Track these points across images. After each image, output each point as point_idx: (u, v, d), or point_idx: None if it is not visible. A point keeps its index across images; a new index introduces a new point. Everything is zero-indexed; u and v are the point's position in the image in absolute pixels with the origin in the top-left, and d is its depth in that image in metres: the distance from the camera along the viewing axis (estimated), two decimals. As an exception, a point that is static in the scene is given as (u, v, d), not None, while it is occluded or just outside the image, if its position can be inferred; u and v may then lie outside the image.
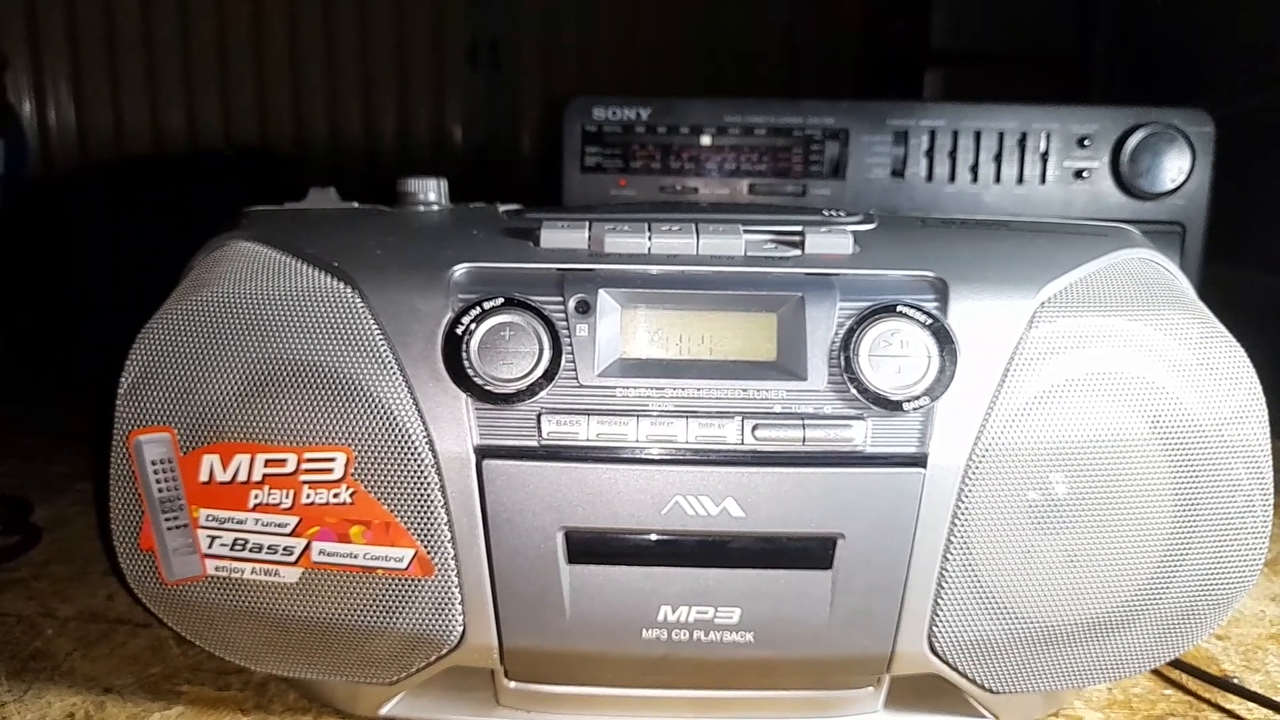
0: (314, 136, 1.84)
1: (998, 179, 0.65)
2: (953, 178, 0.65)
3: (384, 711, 0.40)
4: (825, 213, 0.41)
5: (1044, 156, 0.65)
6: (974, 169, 0.65)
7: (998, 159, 0.65)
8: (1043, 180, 0.65)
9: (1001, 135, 0.65)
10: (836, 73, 1.74)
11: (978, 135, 0.65)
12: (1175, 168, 0.64)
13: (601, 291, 0.35)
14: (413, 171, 0.44)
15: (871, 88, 1.50)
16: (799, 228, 0.38)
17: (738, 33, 1.76)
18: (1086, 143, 0.64)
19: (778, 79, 1.77)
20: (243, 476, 0.35)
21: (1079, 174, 0.65)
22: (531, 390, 0.34)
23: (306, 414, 0.35)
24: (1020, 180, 0.65)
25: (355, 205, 0.44)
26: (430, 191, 0.44)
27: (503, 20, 1.81)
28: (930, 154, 0.65)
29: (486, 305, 0.35)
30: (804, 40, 1.77)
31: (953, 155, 0.65)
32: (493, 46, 1.82)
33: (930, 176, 0.66)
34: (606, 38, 1.80)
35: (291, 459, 0.35)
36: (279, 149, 1.81)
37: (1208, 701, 0.43)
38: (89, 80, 1.82)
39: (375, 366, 0.35)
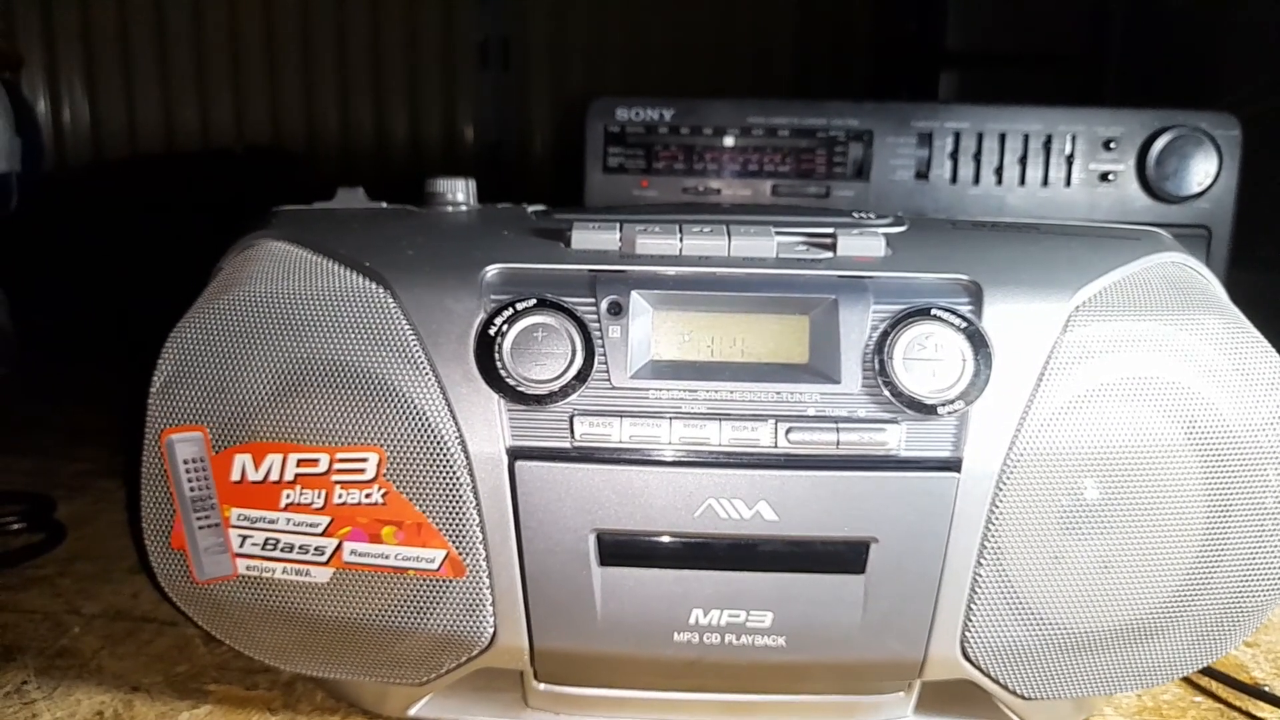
0: (325, 135, 1.85)
1: (1022, 181, 0.65)
2: (977, 180, 0.65)
3: (412, 712, 0.40)
4: (855, 215, 0.41)
5: (1069, 159, 0.65)
6: (999, 171, 0.65)
7: (1022, 161, 0.65)
8: (1068, 183, 0.65)
9: (1026, 137, 0.64)
10: (848, 74, 1.74)
11: (1002, 137, 0.65)
12: (1202, 171, 0.63)
13: (634, 293, 0.35)
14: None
15: (884, 89, 1.50)
16: (831, 229, 0.38)
17: (748, 33, 1.76)
18: (1112, 145, 0.64)
19: (788, 80, 1.76)
20: (275, 476, 0.35)
21: (1104, 177, 0.64)
22: (564, 391, 0.34)
23: (339, 414, 0.35)
24: (1045, 183, 0.65)
25: (384, 205, 0.44)
26: (459, 192, 0.44)
27: (514, 20, 1.81)
28: (955, 156, 0.65)
29: (519, 306, 0.35)
30: (814, 41, 1.77)
31: (977, 157, 0.65)
32: (504, 46, 1.82)
33: (955, 178, 0.65)
34: (617, 38, 1.80)
35: (324, 459, 0.35)
36: (290, 148, 1.82)
37: (1238, 709, 0.42)
38: (102, 79, 1.83)
39: (407, 367, 0.35)
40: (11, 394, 0.96)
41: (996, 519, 0.34)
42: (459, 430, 0.34)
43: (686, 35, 1.76)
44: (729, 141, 0.67)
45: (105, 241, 1.45)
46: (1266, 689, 0.44)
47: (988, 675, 0.36)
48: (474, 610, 0.35)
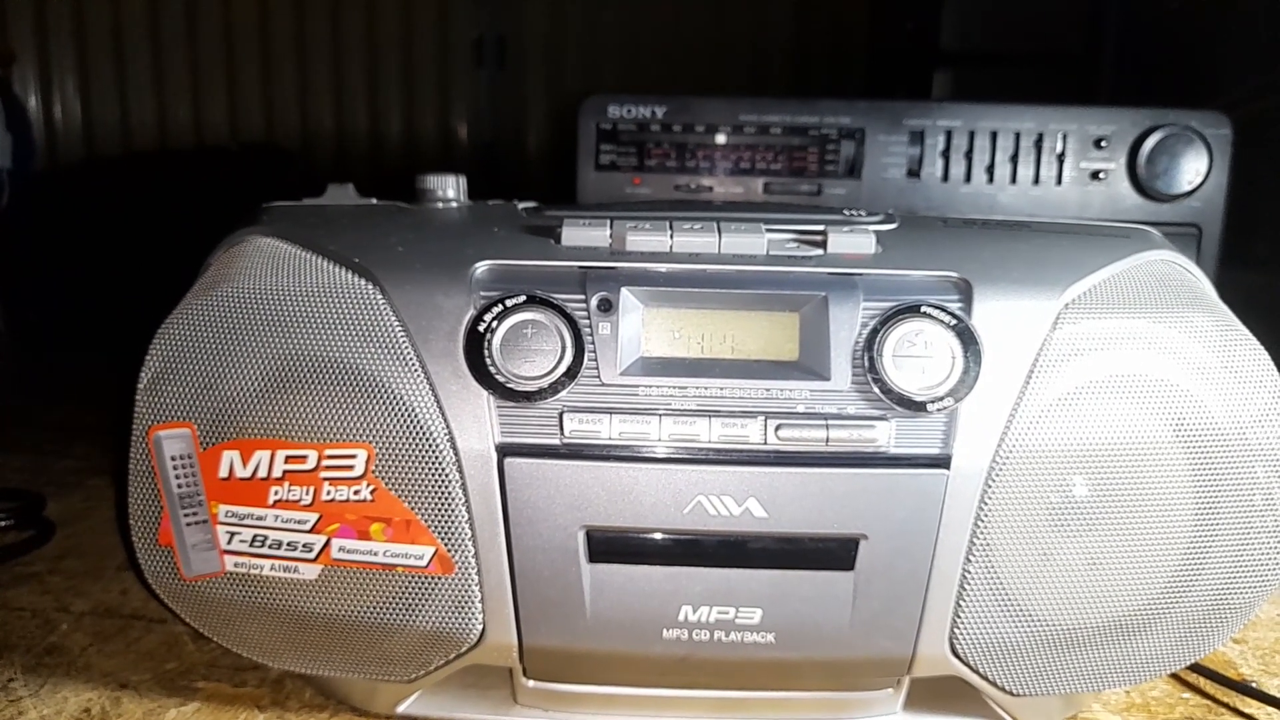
0: (320, 133, 1.85)
1: (1014, 180, 0.65)
2: (968, 178, 0.65)
3: (401, 709, 0.40)
4: (846, 212, 0.41)
5: (1060, 157, 0.65)
6: (990, 169, 0.65)
7: (1014, 159, 0.65)
8: (1059, 181, 0.65)
9: (1018, 136, 0.65)
10: (844, 72, 1.74)
11: (994, 135, 0.65)
12: (1193, 170, 0.64)
13: (624, 290, 0.35)
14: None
15: (880, 88, 1.50)
16: (821, 227, 0.38)
17: (744, 32, 1.76)
18: (1103, 144, 0.64)
19: (785, 79, 1.77)
20: (263, 473, 0.35)
21: (1095, 175, 0.65)
22: (553, 388, 0.34)
23: (327, 410, 0.35)
24: (1036, 181, 0.65)
25: (374, 201, 0.44)
26: (449, 188, 0.43)
27: (509, 17, 1.81)
28: (946, 154, 0.65)
29: (509, 303, 0.34)
30: (811, 40, 1.77)
31: (969, 155, 0.65)
32: (499, 44, 1.82)
33: (946, 177, 0.65)
34: (613, 36, 1.80)
35: (312, 455, 0.35)
36: (284, 145, 1.81)
37: (1225, 705, 0.42)
38: (95, 75, 1.82)
39: (397, 363, 0.35)
40: (2, 390, 0.95)
41: (985, 516, 0.34)
42: (448, 427, 0.34)
43: (683, 34, 1.77)
44: (721, 139, 0.67)
45: (97, 238, 1.44)
46: (1254, 685, 0.44)
47: (976, 672, 0.36)
48: (463, 607, 0.35)
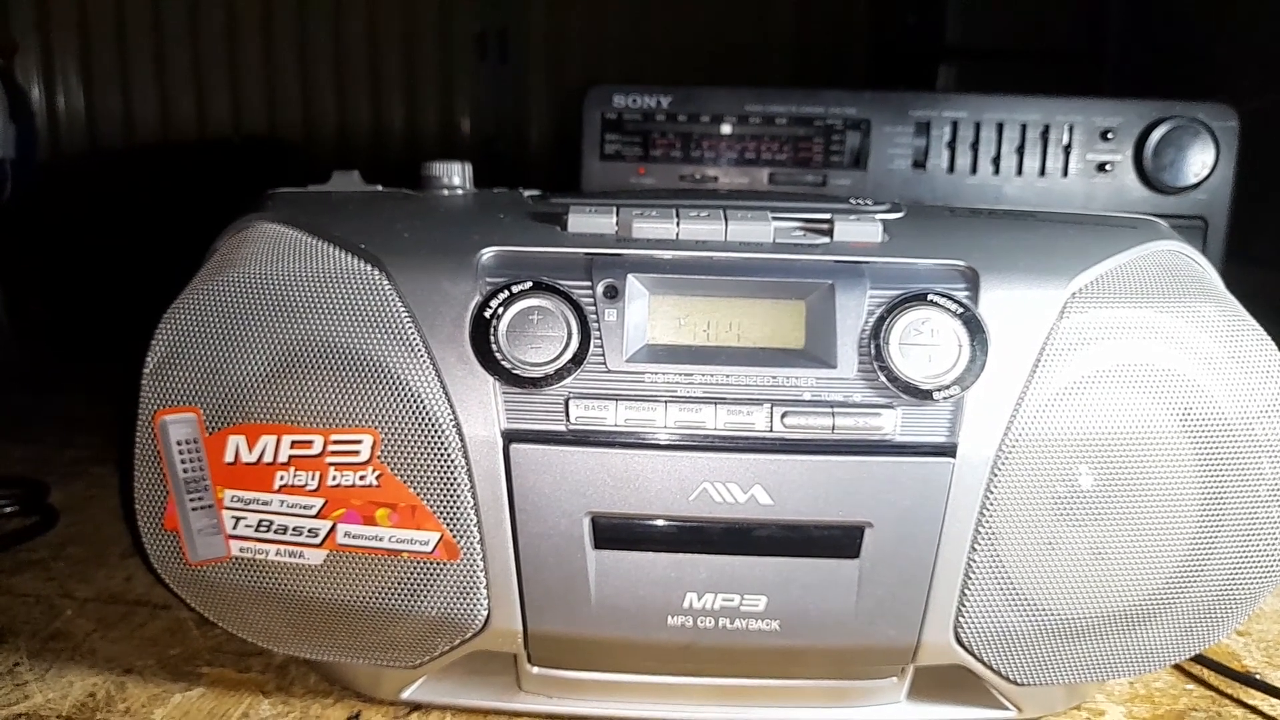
0: (322, 126, 1.84)
1: (1019, 171, 0.65)
2: (974, 169, 0.65)
3: (405, 695, 0.40)
4: (853, 201, 0.41)
5: (1066, 149, 0.65)
6: (996, 161, 0.65)
7: (1020, 151, 0.65)
8: (1065, 173, 0.65)
9: (1024, 127, 0.64)
10: (846, 67, 1.73)
11: (1000, 127, 0.65)
12: (1199, 162, 0.63)
13: (630, 276, 0.35)
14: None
15: (883, 82, 1.49)
16: (828, 215, 0.37)
17: (747, 25, 1.76)
18: (1110, 136, 0.64)
19: (787, 72, 1.76)
20: (268, 458, 0.35)
21: (1101, 167, 0.64)
22: (559, 375, 0.34)
23: (333, 396, 0.35)
24: (1042, 173, 0.65)
25: (379, 188, 0.44)
26: (455, 175, 0.43)
27: (512, 11, 1.81)
28: (952, 145, 0.65)
29: (515, 289, 0.34)
30: (813, 33, 1.76)
31: (975, 147, 0.65)
32: (502, 37, 1.82)
33: (952, 168, 0.65)
34: (615, 29, 1.79)
35: (318, 440, 0.35)
36: (287, 138, 1.81)
37: (1229, 697, 0.42)
38: (98, 67, 1.82)
39: (402, 349, 0.35)
40: (6, 383, 0.95)
41: (991, 505, 0.34)
42: (454, 413, 0.34)
43: (685, 27, 1.76)
44: (726, 129, 0.67)
45: (100, 230, 1.44)
46: (1258, 676, 0.44)
47: (981, 661, 0.36)
48: (468, 593, 0.35)
